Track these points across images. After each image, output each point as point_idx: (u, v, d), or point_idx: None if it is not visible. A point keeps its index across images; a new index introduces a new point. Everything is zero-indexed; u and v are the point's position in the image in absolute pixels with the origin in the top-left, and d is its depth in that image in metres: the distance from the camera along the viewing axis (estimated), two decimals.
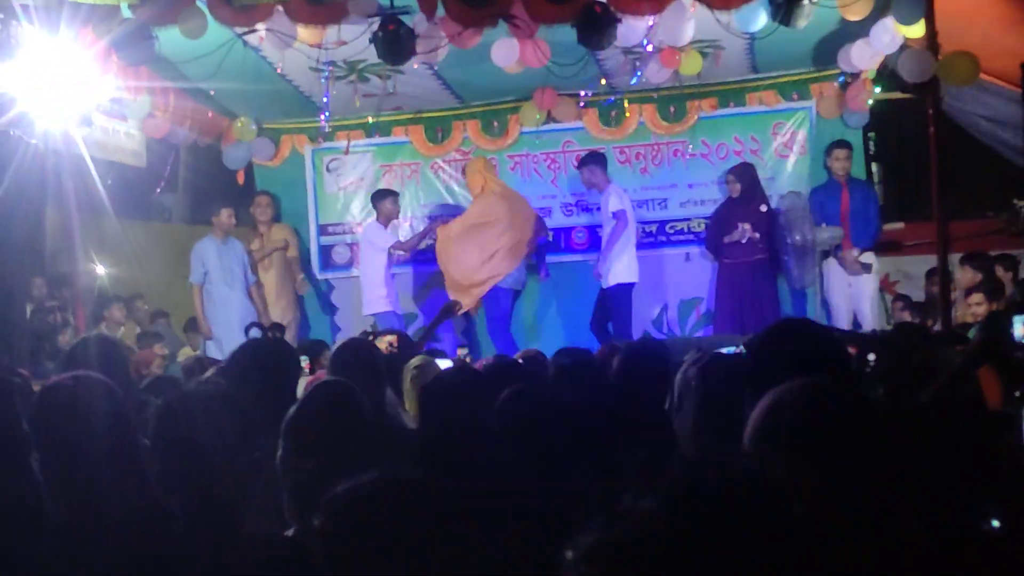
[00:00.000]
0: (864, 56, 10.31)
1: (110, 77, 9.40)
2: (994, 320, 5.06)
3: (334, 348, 5.52)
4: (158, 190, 12.89)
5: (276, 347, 4.49)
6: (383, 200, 12.03)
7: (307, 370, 6.96)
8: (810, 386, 2.26)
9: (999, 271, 10.18)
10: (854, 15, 9.12)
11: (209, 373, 5.52)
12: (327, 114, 11.97)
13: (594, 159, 11.65)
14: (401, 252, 12.05)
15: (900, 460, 2.52)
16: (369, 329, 9.91)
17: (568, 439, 3.17)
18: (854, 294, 11.18)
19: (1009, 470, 3.76)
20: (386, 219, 12.01)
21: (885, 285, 11.61)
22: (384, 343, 7.68)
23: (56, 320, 10.65)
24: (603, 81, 11.66)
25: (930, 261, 10.45)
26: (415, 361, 7.29)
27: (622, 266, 11.32)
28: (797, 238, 11.10)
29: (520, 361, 6.71)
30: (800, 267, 11.20)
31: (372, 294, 11.93)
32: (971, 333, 8.67)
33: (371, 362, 5.33)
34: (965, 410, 4.03)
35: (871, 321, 10.89)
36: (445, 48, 9.34)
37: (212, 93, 11.33)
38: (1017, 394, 4.43)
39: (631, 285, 11.38)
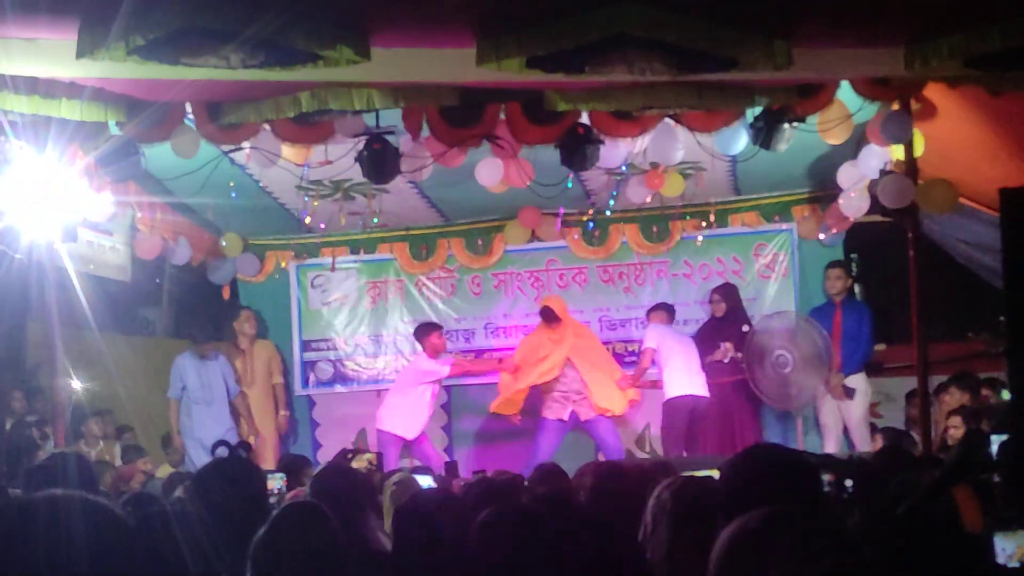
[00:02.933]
0: (850, 179, 10.38)
1: (96, 193, 9.46)
2: (971, 438, 5.05)
3: (315, 472, 5.49)
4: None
5: (239, 466, 4.46)
6: (428, 335, 11.91)
7: (284, 486, 6.92)
8: (773, 516, 2.25)
9: (986, 393, 10.17)
10: (834, 139, 9.24)
11: (178, 492, 5.50)
12: (307, 223, 12.05)
13: (662, 308, 11.89)
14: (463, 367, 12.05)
15: None
16: (349, 447, 9.87)
17: (540, 567, 3.15)
18: (844, 416, 11.13)
19: None
20: (433, 353, 11.88)
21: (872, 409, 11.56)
22: (363, 461, 7.66)
23: (35, 434, 10.58)
24: (591, 207, 11.77)
25: (911, 383, 10.45)
26: (395, 477, 7.28)
27: (671, 381, 11.43)
28: (799, 354, 11.06)
29: (496, 481, 6.66)
30: (811, 381, 11.10)
31: (401, 414, 11.76)
32: None
33: (353, 487, 5.29)
34: (939, 533, 4.01)
35: (862, 443, 10.82)
36: (430, 167, 9.43)
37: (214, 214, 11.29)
38: (994, 519, 4.42)
39: (680, 398, 11.36)
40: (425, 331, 11.98)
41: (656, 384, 11.72)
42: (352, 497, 5.05)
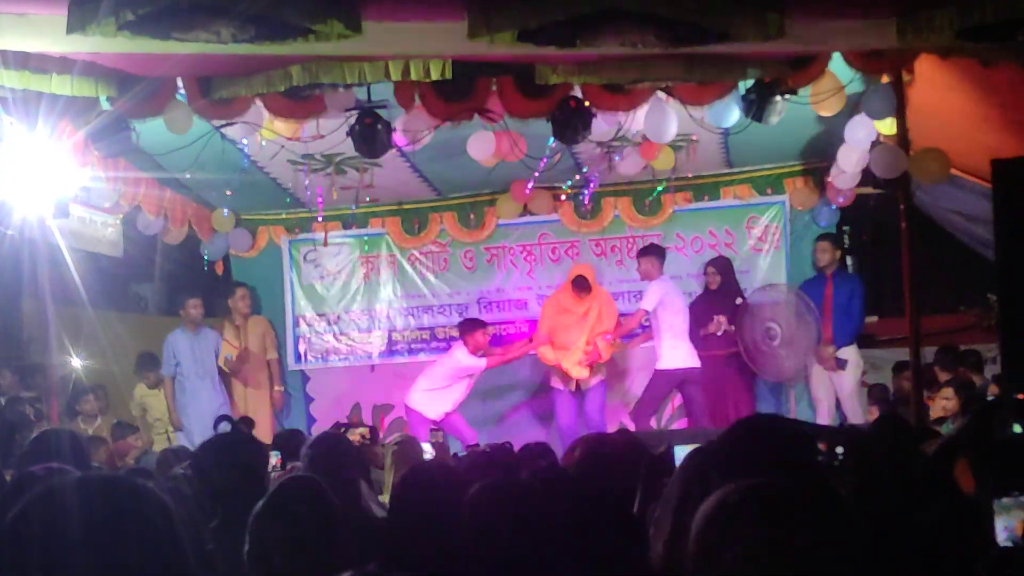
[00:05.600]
0: (849, 157, 10.35)
1: (88, 168, 9.44)
2: (980, 408, 5.04)
3: (307, 443, 5.50)
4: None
5: (244, 441, 4.48)
6: (474, 332, 11.68)
7: (278, 465, 6.91)
8: (751, 489, 2.25)
9: (963, 369, 10.19)
10: (826, 111, 9.23)
11: (180, 468, 5.50)
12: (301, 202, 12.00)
13: (652, 251, 11.67)
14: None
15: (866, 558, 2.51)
16: (343, 420, 9.90)
17: (534, 539, 3.16)
18: (837, 388, 11.16)
19: (983, 562, 3.75)
20: (475, 350, 11.68)
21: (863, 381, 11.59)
22: (356, 435, 7.68)
23: (29, 411, 10.57)
24: (577, 176, 11.75)
25: (901, 354, 10.49)
26: (395, 437, 7.34)
27: (665, 352, 11.40)
28: (784, 329, 11.10)
29: (489, 454, 6.70)
30: (792, 358, 11.15)
31: (433, 401, 11.68)
32: (944, 428, 8.70)
33: (345, 456, 5.32)
34: (939, 498, 4.03)
35: (854, 415, 10.87)
36: (426, 138, 9.42)
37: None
38: (993, 487, 4.42)
39: (669, 371, 11.34)
40: (471, 327, 11.77)
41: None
42: (346, 467, 5.08)
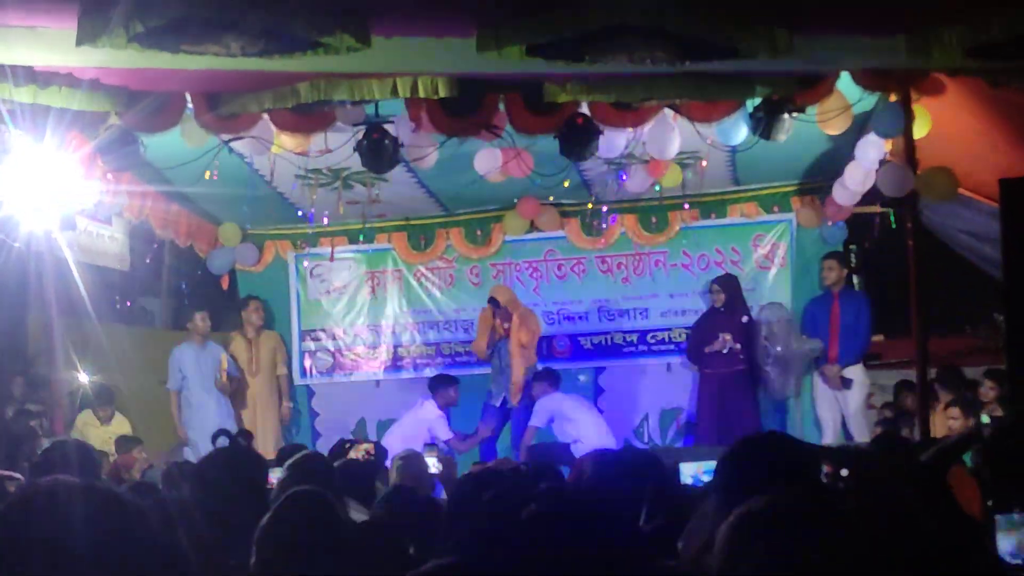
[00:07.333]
0: (857, 177, 10.35)
1: (95, 182, 9.45)
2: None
3: (286, 465, 5.49)
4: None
5: (242, 454, 4.48)
6: (447, 388, 11.63)
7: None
8: (779, 499, 2.26)
9: (989, 385, 10.13)
10: (833, 130, 9.24)
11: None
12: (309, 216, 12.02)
13: (543, 376, 11.63)
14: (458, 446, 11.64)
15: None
16: (348, 438, 9.88)
17: (538, 553, 3.15)
18: (842, 407, 11.14)
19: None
20: (444, 404, 11.60)
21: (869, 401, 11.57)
22: (360, 451, 7.69)
23: (35, 424, 10.57)
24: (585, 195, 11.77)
25: (906, 375, 10.47)
26: (401, 453, 7.36)
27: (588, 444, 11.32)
28: (778, 349, 11.11)
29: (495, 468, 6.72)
30: (782, 378, 11.19)
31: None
32: None
33: (324, 474, 5.31)
34: (941, 515, 4.02)
35: (859, 434, 10.84)
36: (435, 155, 9.44)
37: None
38: (990, 503, 4.42)
39: None
40: (445, 382, 11.74)
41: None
42: (327, 484, 5.05)
